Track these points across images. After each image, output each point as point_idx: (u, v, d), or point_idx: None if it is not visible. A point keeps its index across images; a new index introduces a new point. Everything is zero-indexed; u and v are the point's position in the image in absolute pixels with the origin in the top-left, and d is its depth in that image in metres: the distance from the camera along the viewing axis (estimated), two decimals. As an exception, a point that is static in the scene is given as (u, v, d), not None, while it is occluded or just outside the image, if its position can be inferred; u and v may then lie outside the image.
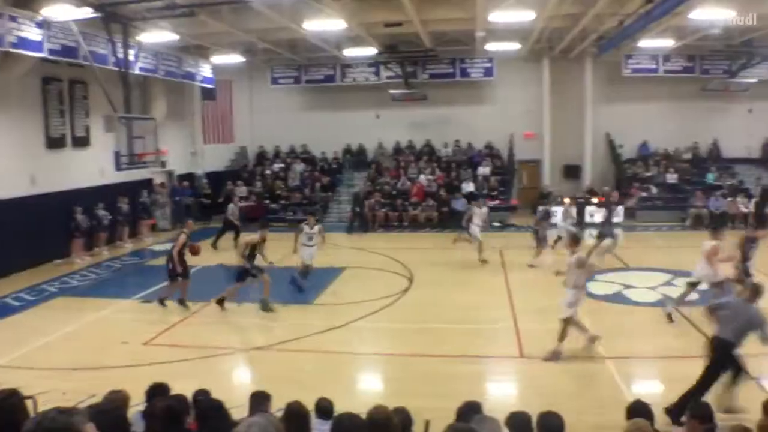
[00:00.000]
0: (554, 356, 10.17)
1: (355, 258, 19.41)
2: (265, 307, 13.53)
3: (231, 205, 22.04)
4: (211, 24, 18.81)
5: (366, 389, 9.90)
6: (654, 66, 26.66)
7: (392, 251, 19.59)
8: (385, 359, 10.73)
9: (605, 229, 18.77)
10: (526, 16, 17.97)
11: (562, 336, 10.28)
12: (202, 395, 5.75)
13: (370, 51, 24.47)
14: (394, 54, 25.23)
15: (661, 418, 5.33)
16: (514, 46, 24.18)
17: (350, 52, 24.96)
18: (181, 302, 13.91)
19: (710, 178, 26.99)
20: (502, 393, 9.45)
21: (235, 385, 9.77)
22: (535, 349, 10.69)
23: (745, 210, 24.54)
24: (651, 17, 16.74)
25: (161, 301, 13.90)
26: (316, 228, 15.47)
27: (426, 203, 25.30)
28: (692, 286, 12.71)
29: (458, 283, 15.96)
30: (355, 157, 29.78)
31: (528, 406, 5.44)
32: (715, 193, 25.35)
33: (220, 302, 13.67)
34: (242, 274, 13.66)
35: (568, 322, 10.41)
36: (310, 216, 16.28)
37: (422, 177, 27.00)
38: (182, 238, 13.93)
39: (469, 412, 5.32)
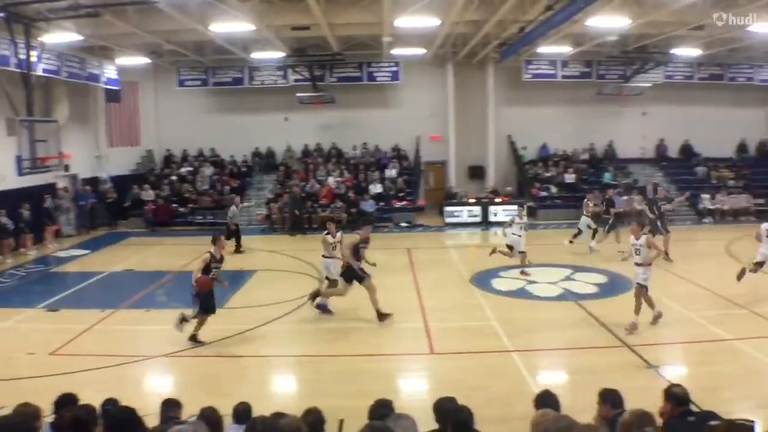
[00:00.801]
0: (633, 327, 11.66)
1: (265, 260, 19.50)
2: (382, 318, 12.64)
3: (233, 208, 21.75)
4: (116, 25, 18.49)
5: (279, 392, 9.96)
6: (553, 71, 27.71)
7: (302, 253, 19.71)
8: (297, 361, 10.87)
9: (660, 226, 19.03)
10: (431, 22, 18.49)
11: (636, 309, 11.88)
12: (110, 404, 5.67)
13: (278, 54, 24.50)
14: (303, 57, 25.32)
15: (568, 406, 5.66)
16: (419, 50, 24.73)
17: (258, 55, 24.94)
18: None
19: (607, 177, 28.28)
20: (414, 389, 9.75)
21: (145, 393, 9.54)
22: (445, 345, 11.15)
23: (639, 207, 25.79)
24: (550, 24, 17.48)
25: (182, 321, 11.58)
26: (339, 235, 13.97)
27: (335, 205, 25.51)
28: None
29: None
30: (264, 160, 29.72)
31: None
32: (612, 191, 26.54)
33: (313, 297, 13.42)
34: (350, 274, 12.97)
35: (643, 293, 11.95)
36: (330, 223, 14.47)
37: (331, 179, 27.23)
38: (206, 256, 11.84)
39: (381, 409, 5.36)
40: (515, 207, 20.12)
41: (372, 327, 12.34)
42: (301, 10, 18.84)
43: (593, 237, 19.85)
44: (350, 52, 26.01)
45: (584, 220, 20.18)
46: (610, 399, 5.78)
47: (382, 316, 12.55)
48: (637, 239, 12.30)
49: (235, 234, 21.18)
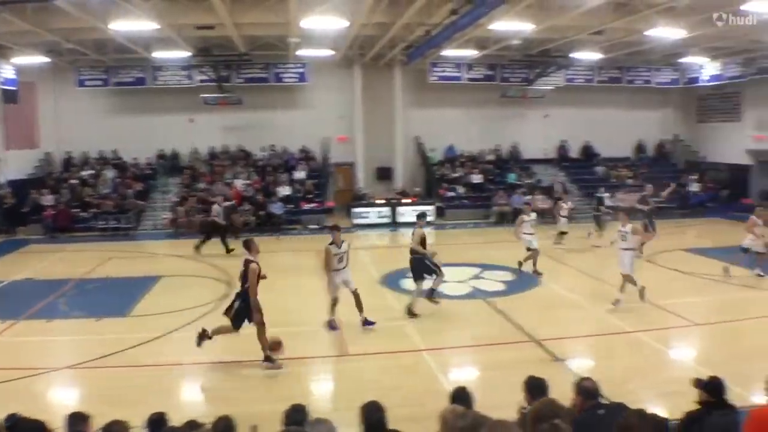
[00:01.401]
0: (617, 303, 13.35)
1: (171, 265, 18.96)
2: (431, 296, 13.28)
3: (215, 206, 21.07)
4: (13, 23, 17.64)
5: (190, 401, 9.62)
6: (458, 74, 28.17)
7: (210, 257, 19.35)
8: (207, 368, 10.54)
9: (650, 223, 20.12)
10: (338, 23, 18.44)
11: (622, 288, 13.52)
12: (9, 420, 5.36)
13: (183, 54, 23.91)
14: (208, 57, 24.83)
15: (482, 402, 5.71)
16: (326, 52, 24.65)
17: (162, 55, 24.30)
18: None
19: (511, 177, 28.99)
20: (328, 392, 9.75)
21: (50, 407, 8.98)
22: (359, 346, 11.18)
23: (543, 206, 26.57)
24: (456, 28, 17.73)
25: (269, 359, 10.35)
26: (345, 246, 12.58)
27: (243, 208, 25.15)
28: None
29: (279, 287, 15.78)
30: (169, 163, 28.95)
31: (353, 401, 5.58)
32: (517, 191, 27.33)
33: (429, 297, 13.32)
34: (420, 269, 13.16)
35: (627, 277, 13.58)
36: (336, 231, 12.78)
37: (238, 182, 26.80)
38: (254, 266, 10.74)
39: (296, 415, 5.32)
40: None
41: (282, 330, 12.12)
42: (205, 9, 18.39)
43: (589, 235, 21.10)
44: (257, 53, 25.61)
45: (562, 222, 20.76)
46: (531, 388, 5.89)
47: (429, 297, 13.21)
48: (624, 227, 13.93)
49: (220, 233, 20.74)
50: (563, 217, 20.68)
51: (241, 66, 26.66)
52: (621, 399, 6.80)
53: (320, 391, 9.77)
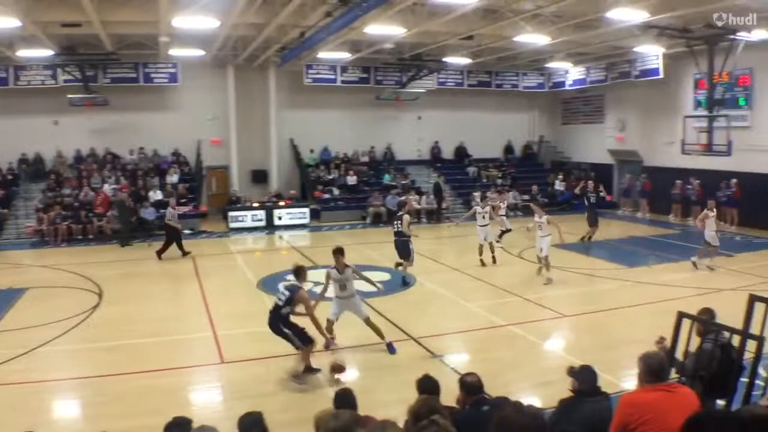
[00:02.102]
0: (549, 281, 15.51)
1: (38, 276, 17.95)
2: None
3: (169, 209, 20.33)
4: None
5: (61, 418, 9.06)
6: (333, 76, 28.20)
7: (78, 266, 18.44)
8: (79, 383, 9.97)
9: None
10: (210, 23, 18.02)
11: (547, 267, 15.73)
12: None
13: (47, 52, 22.55)
14: (73, 56, 23.59)
15: (365, 402, 5.70)
16: (198, 52, 24.06)
17: (24, 53, 22.75)
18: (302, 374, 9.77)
19: (386, 178, 29.33)
20: (205, 401, 9.43)
21: None
22: (236, 353, 10.91)
23: (418, 206, 27.14)
24: (330, 30, 17.78)
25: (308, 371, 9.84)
26: (348, 272, 11.04)
27: (112, 213, 24.09)
28: None
29: (152, 295, 15.52)
30: (32, 167, 27.19)
31: (232, 409, 5.48)
32: (391, 192, 27.66)
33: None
34: (404, 249, 15.97)
35: (545, 259, 15.75)
36: (339, 255, 11.06)
37: (106, 186, 25.67)
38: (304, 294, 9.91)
39: (177, 428, 5.09)
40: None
41: (156, 341, 11.77)
42: (72, 6, 17.50)
43: None
44: (126, 52, 24.50)
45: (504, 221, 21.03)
46: (422, 386, 5.91)
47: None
48: (541, 218, 15.82)
49: (176, 237, 19.96)
50: (502, 215, 20.80)
51: (109, 65, 25.43)
52: (498, 391, 7.00)
53: (197, 401, 9.43)
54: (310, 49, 22.21)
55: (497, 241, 19.99)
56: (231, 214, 25.89)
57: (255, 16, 19.08)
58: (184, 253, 19.88)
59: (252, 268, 18.43)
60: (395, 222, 16.39)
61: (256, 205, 26.47)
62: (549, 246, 15.75)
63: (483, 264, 17.98)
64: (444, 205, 28.12)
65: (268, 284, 16.03)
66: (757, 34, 19.90)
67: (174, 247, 19.90)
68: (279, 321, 9.72)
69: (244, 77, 28.07)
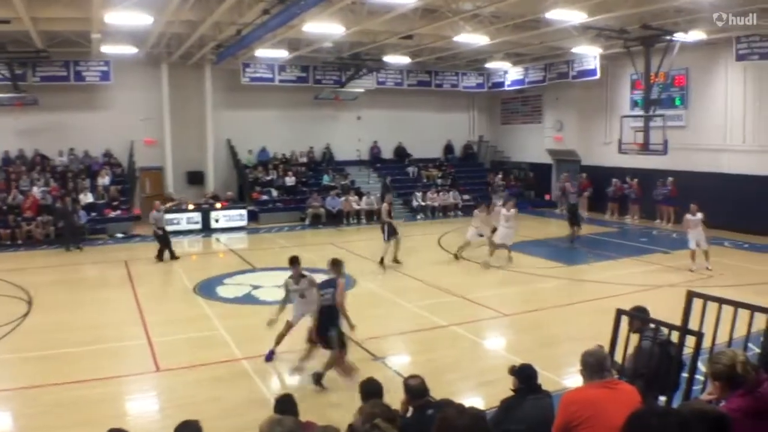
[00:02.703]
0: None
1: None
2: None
3: (154, 213, 19.70)
4: None
5: None
6: (270, 75, 27.74)
7: (6, 273, 17.64)
8: (8, 396, 9.45)
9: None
10: (143, 19, 17.47)
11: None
12: None
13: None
14: (1, 54, 22.65)
15: (309, 407, 5.54)
16: (131, 49, 23.39)
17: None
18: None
19: (325, 179, 29.09)
20: (142, 410, 9.05)
21: None
22: (172, 360, 10.53)
23: (357, 207, 27.01)
24: (267, 28, 17.52)
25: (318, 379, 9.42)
26: (305, 283, 10.77)
27: (42, 218, 23.29)
28: None
29: (84, 303, 14.93)
30: (-46, 170, 26.17)
31: (169, 417, 5.32)
32: (331, 192, 27.43)
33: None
34: (391, 232, 18.13)
35: (503, 246, 17.89)
36: (294, 265, 10.97)
37: (35, 189, 24.75)
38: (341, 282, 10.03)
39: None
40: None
41: (89, 350, 11.32)
42: (0, 3, 16.82)
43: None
44: (56, 50, 23.56)
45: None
46: (366, 390, 5.86)
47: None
48: (508, 211, 18.05)
49: (163, 241, 19.39)
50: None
51: (39, 64, 24.42)
52: (440, 391, 6.90)
53: (133, 411, 9.03)
54: (247, 47, 21.87)
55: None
56: (166, 216, 25.16)
57: (190, 13, 18.64)
58: (173, 256, 19.51)
59: (188, 272, 17.95)
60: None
61: (191, 207, 25.87)
62: (509, 237, 17.94)
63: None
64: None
65: (204, 289, 15.68)
66: (693, 35, 20.36)
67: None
68: (332, 319, 9.52)
69: (178, 76, 27.34)
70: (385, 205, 18.84)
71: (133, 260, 19.32)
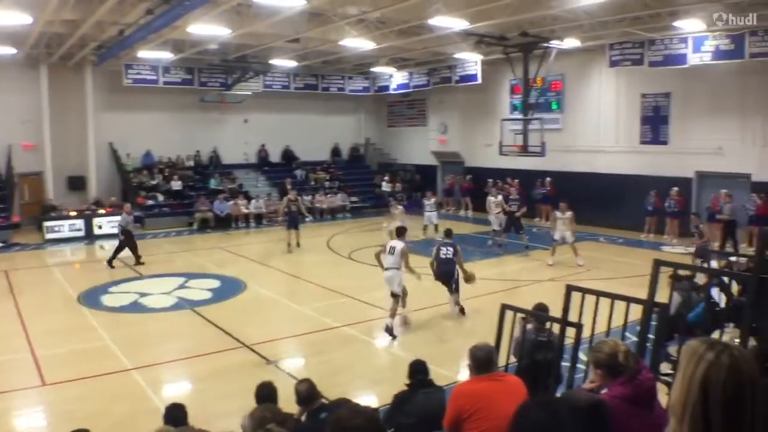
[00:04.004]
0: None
1: None
2: None
3: (124, 215, 19.43)
4: None
5: None
6: (154, 77, 27.03)
7: None
8: None
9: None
10: (21, 19, 16.74)
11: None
12: None
13: None
14: None
15: (200, 414, 5.53)
16: (9, 50, 22.36)
17: None
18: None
19: (213, 183, 28.69)
20: (29, 426, 8.75)
21: None
22: (58, 374, 10.17)
23: (246, 211, 26.82)
24: (151, 28, 17.16)
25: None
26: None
27: None
28: None
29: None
30: None
31: None
32: (219, 196, 27.09)
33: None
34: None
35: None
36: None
37: None
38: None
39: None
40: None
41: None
42: None
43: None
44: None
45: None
46: (260, 394, 6.00)
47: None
48: (429, 200, 21.69)
49: (130, 243, 19.03)
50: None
51: None
52: (334, 392, 7.06)
53: (20, 428, 8.72)
54: (130, 48, 21.29)
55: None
56: (47, 224, 24.20)
57: (71, 12, 17.95)
58: (138, 261, 18.99)
59: (71, 281, 17.36)
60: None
61: (73, 213, 24.95)
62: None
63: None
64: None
65: (89, 298, 15.21)
66: (569, 43, 21.39)
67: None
68: (453, 269, 13.03)
69: (59, 77, 26.24)
70: (288, 197, 20.96)
71: (13, 270, 18.49)
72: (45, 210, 25.11)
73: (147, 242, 23.28)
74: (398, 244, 12.45)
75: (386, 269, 12.39)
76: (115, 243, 19.35)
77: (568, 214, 17.81)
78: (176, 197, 27.80)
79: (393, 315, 12.12)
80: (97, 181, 27.61)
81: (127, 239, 19.13)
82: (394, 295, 12.21)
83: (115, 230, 23.26)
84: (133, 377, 10.07)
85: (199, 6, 15.13)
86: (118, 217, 20.35)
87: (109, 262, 18.75)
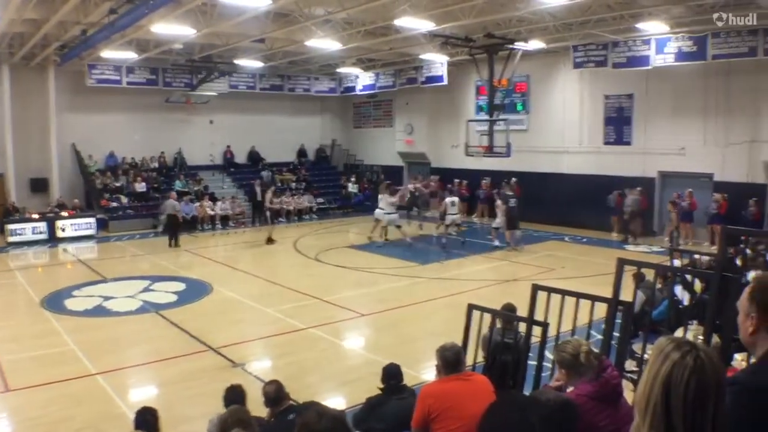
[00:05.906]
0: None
1: None
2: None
3: (171, 201, 22.65)
4: None
5: None
6: (118, 77, 26.62)
7: None
8: None
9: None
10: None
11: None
12: None
13: None
14: None
15: (168, 418, 5.48)
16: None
17: None
18: None
19: (178, 185, 28.34)
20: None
21: None
22: (21, 379, 10.00)
23: (211, 212, 26.62)
24: (114, 28, 16.92)
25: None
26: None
27: None
28: None
29: None
30: None
31: None
32: (184, 198, 26.79)
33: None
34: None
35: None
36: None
37: None
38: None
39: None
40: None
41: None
42: None
43: None
44: None
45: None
46: (229, 397, 5.94)
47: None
48: (391, 196, 21.53)
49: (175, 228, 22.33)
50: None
51: None
52: (302, 393, 7.05)
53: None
54: (93, 47, 21.00)
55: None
56: (9, 227, 23.77)
57: (33, 12, 17.65)
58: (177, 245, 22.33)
59: (34, 285, 17.06)
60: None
61: (36, 216, 24.54)
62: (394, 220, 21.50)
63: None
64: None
65: (52, 302, 14.96)
66: (533, 44, 21.57)
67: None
68: None
69: (20, 77, 25.74)
70: (269, 194, 22.65)
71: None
72: (7, 212, 24.65)
73: (111, 245, 23.08)
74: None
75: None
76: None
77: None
78: (140, 199, 27.47)
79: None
80: (60, 183, 27.18)
81: (172, 222, 22.25)
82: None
83: (77, 233, 23.12)
84: (98, 382, 9.91)
85: (162, 5, 14.97)
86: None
87: (173, 245, 22.30)
